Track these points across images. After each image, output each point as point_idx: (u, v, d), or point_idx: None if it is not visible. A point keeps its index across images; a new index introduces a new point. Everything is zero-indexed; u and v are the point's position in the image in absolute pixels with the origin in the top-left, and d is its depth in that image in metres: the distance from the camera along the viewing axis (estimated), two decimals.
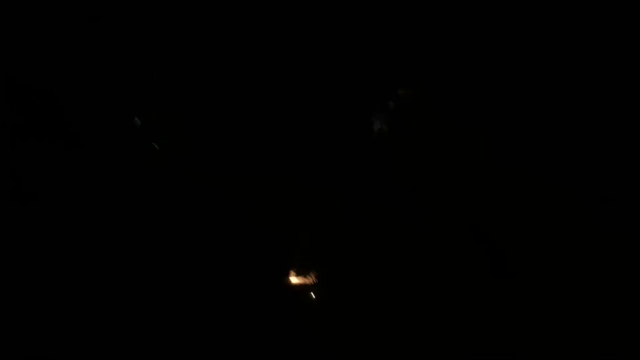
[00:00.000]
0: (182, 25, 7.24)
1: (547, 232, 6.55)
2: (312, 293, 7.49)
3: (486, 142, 6.84)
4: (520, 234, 6.62)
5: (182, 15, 7.22)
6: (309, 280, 7.96)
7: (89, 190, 7.03)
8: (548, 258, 6.50)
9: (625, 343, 5.64)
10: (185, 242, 7.21)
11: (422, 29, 6.93)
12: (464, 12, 6.74)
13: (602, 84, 6.34)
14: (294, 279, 8.64)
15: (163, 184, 7.40)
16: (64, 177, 6.85)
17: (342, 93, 7.50)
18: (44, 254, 6.33)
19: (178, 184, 7.50)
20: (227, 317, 6.41)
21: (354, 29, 7.09)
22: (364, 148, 7.56)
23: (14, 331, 5.66)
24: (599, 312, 5.93)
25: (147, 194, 7.22)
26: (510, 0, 6.49)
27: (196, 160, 7.89)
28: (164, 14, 7.20)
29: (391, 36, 7.07)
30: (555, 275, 6.36)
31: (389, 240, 7.31)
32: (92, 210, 6.94)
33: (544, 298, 6.28)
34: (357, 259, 7.68)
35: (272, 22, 7.40)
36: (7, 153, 6.53)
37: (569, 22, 6.43)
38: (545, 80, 6.54)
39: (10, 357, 5.44)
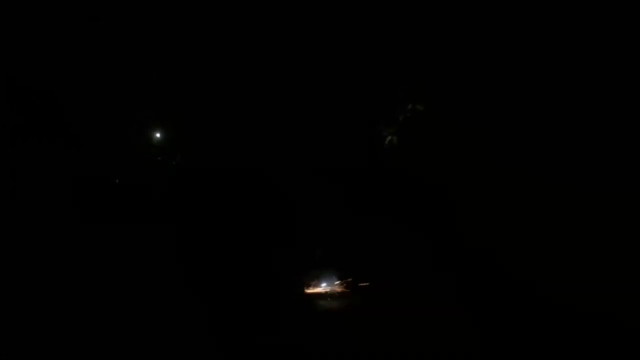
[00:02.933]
0: (182, 25, 7.24)
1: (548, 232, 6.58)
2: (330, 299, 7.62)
3: (491, 152, 6.93)
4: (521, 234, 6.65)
5: (182, 15, 7.22)
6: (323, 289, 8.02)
7: (89, 189, 7.03)
8: (547, 258, 6.52)
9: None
10: (188, 244, 7.21)
11: (431, 44, 7.07)
12: (472, 26, 6.85)
13: (598, 85, 6.36)
14: (310, 289, 8.66)
15: (164, 183, 7.39)
16: (64, 177, 6.84)
17: (351, 104, 7.65)
18: (44, 253, 6.32)
19: (179, 182, 7.50)
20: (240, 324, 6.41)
21: (364, 44, 7.23)
22: (373, 158, 7.74)
23: (14, 331, 5.64)
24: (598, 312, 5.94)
25: (148, 193, 7.22)
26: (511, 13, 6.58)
27: (196, 159, 7.90)
28: (163, 14, 7.20)
29: (400, 51, 7.22)
30: (554, 275, 6.37)
31: (395, 243, 7.38)
32: (92, 209, 6.93)
33: (542, 299, 6.30)
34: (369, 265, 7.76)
35: (284, 32, 7.45)
36: (7, 153, 6.52)
37: (568, 23, 6.46)
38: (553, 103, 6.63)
39: (10, 357, 5.42)
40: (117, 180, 7.29)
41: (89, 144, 7.26)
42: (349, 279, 8.36)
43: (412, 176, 7.50)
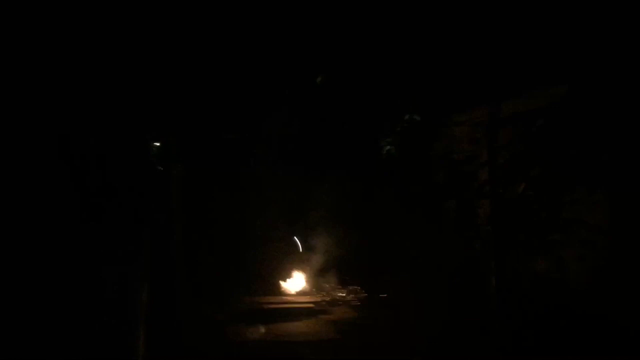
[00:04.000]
0: (181, 28, 7.25)
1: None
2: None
3: (489, 156, 6.98)
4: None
5: (181, 18, 7.23)
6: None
7: (88, 192, 7.01)
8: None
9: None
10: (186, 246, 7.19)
11: (428, 53, 7.14)
12: (468, 37, 6.93)
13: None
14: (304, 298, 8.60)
15: (165, 184, 7.37)
16: (63, 179, 6.82)
17: (350, 114, 7.72)
18: (44, 252, 6.30)
19: (179, 185, 7.48)
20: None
21: (363, 52, 7.30)
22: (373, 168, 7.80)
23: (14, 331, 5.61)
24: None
25: (148, 194, 7.21)
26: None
27: (195, 167, 7.88)
28: (163, 16, 7.21)
29: (397, 61, 7.31)
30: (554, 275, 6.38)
31: (397, 250, 7.41)
32: (90, 213, 6.91)
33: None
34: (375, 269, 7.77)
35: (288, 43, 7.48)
36: (7, 153, 6.50)
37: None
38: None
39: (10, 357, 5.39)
40: (117, 185, 7.28)
41: (89, 147, 7.24)
42: (356, 287, 8.19)
43: (410, 185, 7.55)
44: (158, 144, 7.53)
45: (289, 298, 8.20)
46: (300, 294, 8.53)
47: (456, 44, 7.07)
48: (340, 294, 8.00)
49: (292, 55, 7.53)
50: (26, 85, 6.77)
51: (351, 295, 8.00)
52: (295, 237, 8.43)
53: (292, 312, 7.12)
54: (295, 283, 8.80)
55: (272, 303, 7.67)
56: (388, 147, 7.71)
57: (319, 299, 8.01)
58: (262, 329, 6.32)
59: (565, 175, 6.35)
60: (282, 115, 7.79)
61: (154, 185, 7.34)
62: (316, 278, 8.74)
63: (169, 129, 7.52)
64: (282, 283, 8.72)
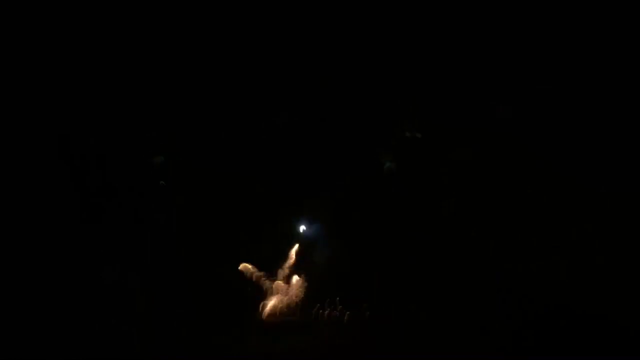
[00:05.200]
0: (182, 39, 7.20)
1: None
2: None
3: (485, 170, 6.96)
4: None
5: (182, 28, 7.18)
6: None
7: (89, 192, 6.98)
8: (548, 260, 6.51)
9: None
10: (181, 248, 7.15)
11: (424, 77, 7.14)
12: (462, 54, 6.92)
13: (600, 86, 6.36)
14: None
15: (166, 190, 7.32)
16: (64, 181, 6.80)
17: (350, 132, 7.68)
18: (44, 252, 6.28)
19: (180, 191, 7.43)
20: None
21: (361, 72, 7.28)
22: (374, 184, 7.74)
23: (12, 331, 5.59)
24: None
25: (148, 194, 7.18)
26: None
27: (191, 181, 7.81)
28: (163, 17, 7.19)
29: (396, 84, 7.31)
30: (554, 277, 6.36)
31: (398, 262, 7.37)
32: (90, 214, 6.88)
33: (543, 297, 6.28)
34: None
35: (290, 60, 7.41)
36: (7, 153, 6.48)
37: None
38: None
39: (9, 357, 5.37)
40: (117, 185, 7.25)
41: (89, 147, 7.22)
42: (350, 305, 7.91)
43: (411, 199, 7.56)
44: (159, 150, 7.46)
45: (281, 313, 8.04)
46: (293, 309, 8.32)
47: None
48: (334, 311, 7.79)
49: (291, 59, 7.50)
50: (27, 86, 6.75)
51: (343, 313, 7.76)
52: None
53: (282, 328, 7.17)
54: (288, 298, 8.60)
55: (264, 319, 7.67)
56: (388, 163, 7.73)
57: (311, 317, 7.83)
58: (252, 343, 6.44)
59: (566, 175, 6.35)
60: (282, 117, 7.76)
61: (153, 185, 7.32)
62: (310, 294, 8.49)
63: (169, 129, 7.48)
64: (273, 297, 8.50)
